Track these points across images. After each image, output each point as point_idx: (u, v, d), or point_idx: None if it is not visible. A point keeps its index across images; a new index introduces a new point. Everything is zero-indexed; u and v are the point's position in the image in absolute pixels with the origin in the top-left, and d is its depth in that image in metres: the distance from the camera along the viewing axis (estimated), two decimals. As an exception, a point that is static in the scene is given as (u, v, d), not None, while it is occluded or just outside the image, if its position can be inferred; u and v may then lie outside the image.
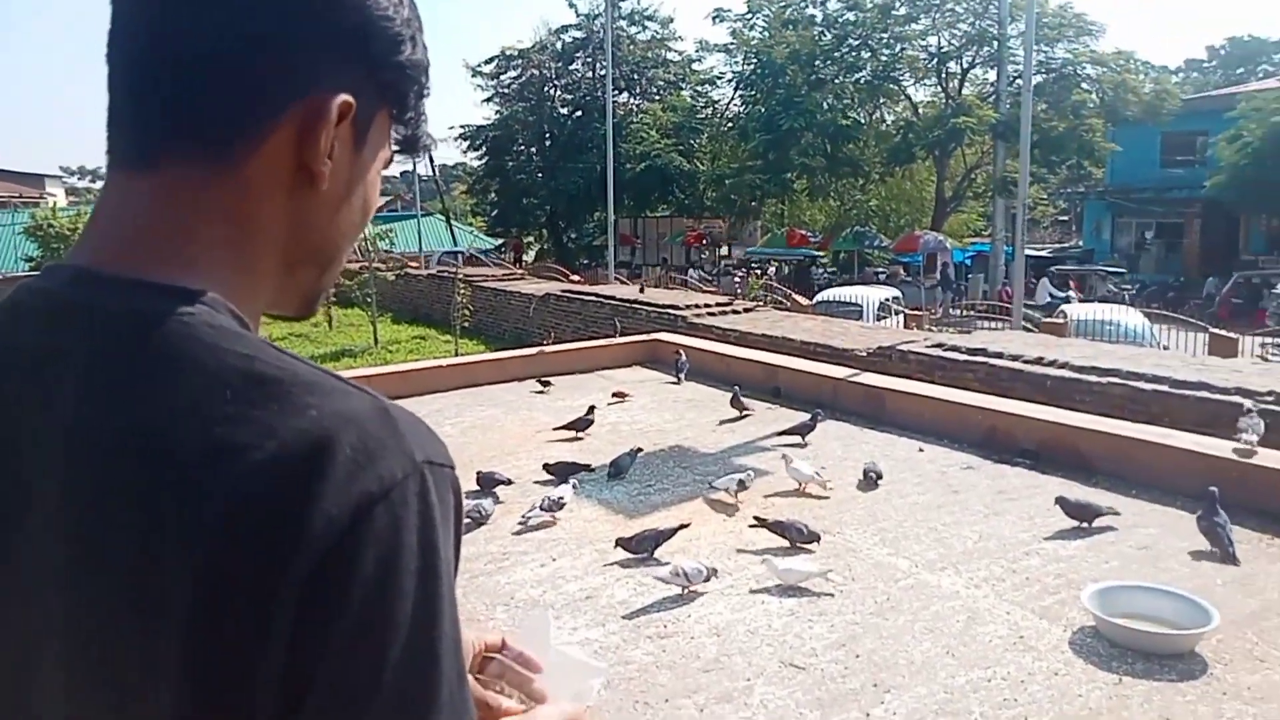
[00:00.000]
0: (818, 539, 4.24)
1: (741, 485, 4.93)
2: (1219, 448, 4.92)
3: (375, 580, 0.54)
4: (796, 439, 6.01)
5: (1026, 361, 6.90)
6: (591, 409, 6.37)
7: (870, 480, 5.09)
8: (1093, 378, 6.38)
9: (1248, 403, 5.15)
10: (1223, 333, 12.94)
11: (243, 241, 0.65)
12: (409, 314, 19.54)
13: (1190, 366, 6.54)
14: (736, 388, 6.99)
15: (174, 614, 0.53)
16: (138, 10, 0.64)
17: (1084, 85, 26.85)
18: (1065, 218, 42.39)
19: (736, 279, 23.86)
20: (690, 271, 26.96)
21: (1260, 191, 23.58)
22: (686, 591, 3.77)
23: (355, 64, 0.66)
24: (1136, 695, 2.95)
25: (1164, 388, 5.87)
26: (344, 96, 0.65)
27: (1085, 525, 4.38)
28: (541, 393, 7.67)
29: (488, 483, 4.98)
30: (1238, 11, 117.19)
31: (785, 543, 4.27)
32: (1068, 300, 20.49)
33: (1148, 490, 4.92)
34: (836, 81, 29.27)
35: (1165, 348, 13.99)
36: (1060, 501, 4.46)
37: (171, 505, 0.54)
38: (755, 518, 4.44)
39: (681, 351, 8.33)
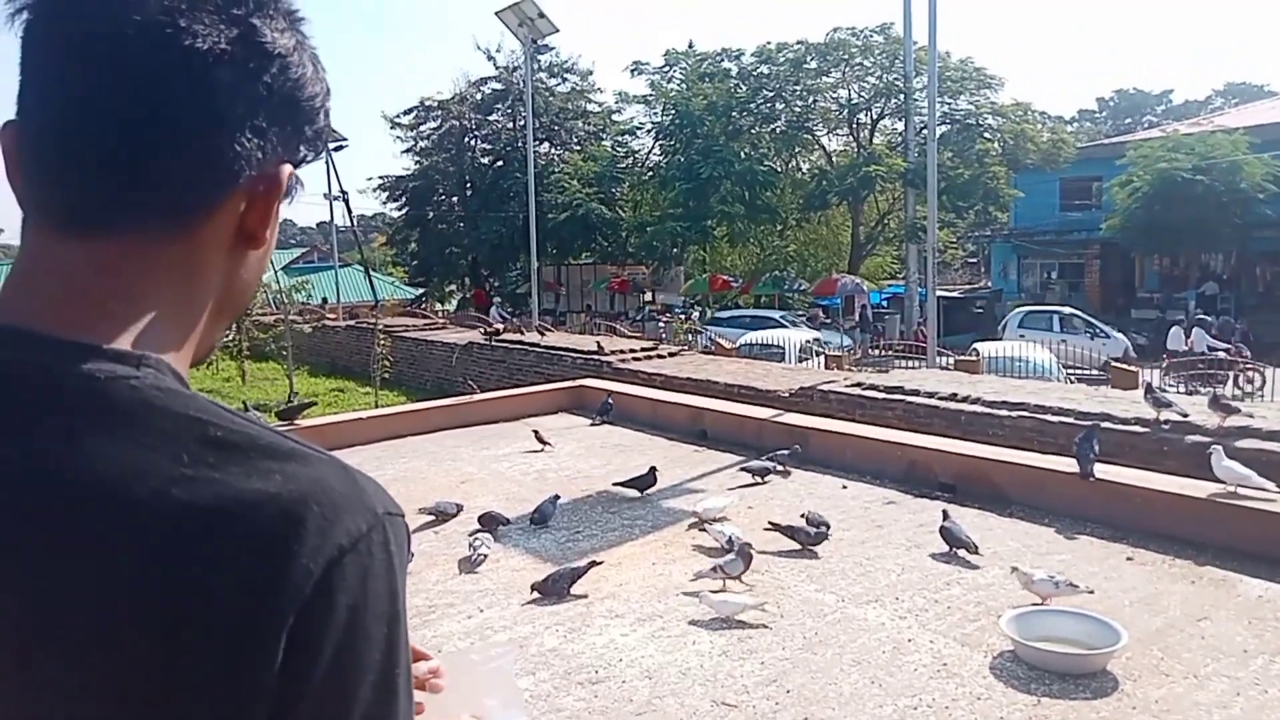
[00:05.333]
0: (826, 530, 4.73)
1: (731, 543, 4.52)
2: (1123, 475, 5.15)
3: (347, 625, 0.57)
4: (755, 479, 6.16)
5: (942, 398, 7.12)
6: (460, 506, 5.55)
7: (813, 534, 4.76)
8: (1004, 412, 6.62)
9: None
10: (1124, 367, 13.57)
11: (189, 304, 0.67)
12: (326, 366, 19.11)
13: (1094, 399, 6.85)
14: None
15: (146, 666, 0.53)
16: (86, 76, 0.62)
17: (986, 135, 28.16)
18: (974, 260, 44.05)
19: (661, 324, 24.06)
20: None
21: (1151, 233, 25.00)
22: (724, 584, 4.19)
23: (293, 135, 0.70)
24: (1054, 715, 3.04)
25: (1070, 420, 6.13)
26: (289, 167, 0.69)
27: (956, 552, 4.58)
28: (539, 451, 7.24)
29: (489, 522, 5.09)
30: (1123, 66, 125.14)
31: (718, 581, 4.31)
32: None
33: (1059, 519, 5.11)
34: (753, 131, 30.09)
35: (1071, 381, 14.60)
36: (943, 531, 4.67)
37: (129, 565, 0.54)
38: (770, 522, 4.85)
39: (610, 398, 8.39)
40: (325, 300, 27.60)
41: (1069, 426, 6.05)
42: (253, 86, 0.65)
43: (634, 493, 5.87)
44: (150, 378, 0.60)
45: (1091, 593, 3.93)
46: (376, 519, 0.61)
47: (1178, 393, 11.71)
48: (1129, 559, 4.50)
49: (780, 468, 6.26)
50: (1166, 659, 3.41)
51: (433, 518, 5.38)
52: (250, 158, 0.66)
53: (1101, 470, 5.17)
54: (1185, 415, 5.70)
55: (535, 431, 7.39)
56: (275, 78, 0.67)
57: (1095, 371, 15.57)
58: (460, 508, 5.48)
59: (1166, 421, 5.75)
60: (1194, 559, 4.41)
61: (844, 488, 5.98)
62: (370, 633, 0.59)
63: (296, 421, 7.40)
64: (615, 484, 5.97)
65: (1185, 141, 25.47)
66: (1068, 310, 22.71)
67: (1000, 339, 20.14)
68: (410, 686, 0.63)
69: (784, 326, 22.14)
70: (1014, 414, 6.54)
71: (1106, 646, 3.33)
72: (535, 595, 4.21)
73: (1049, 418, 6.32)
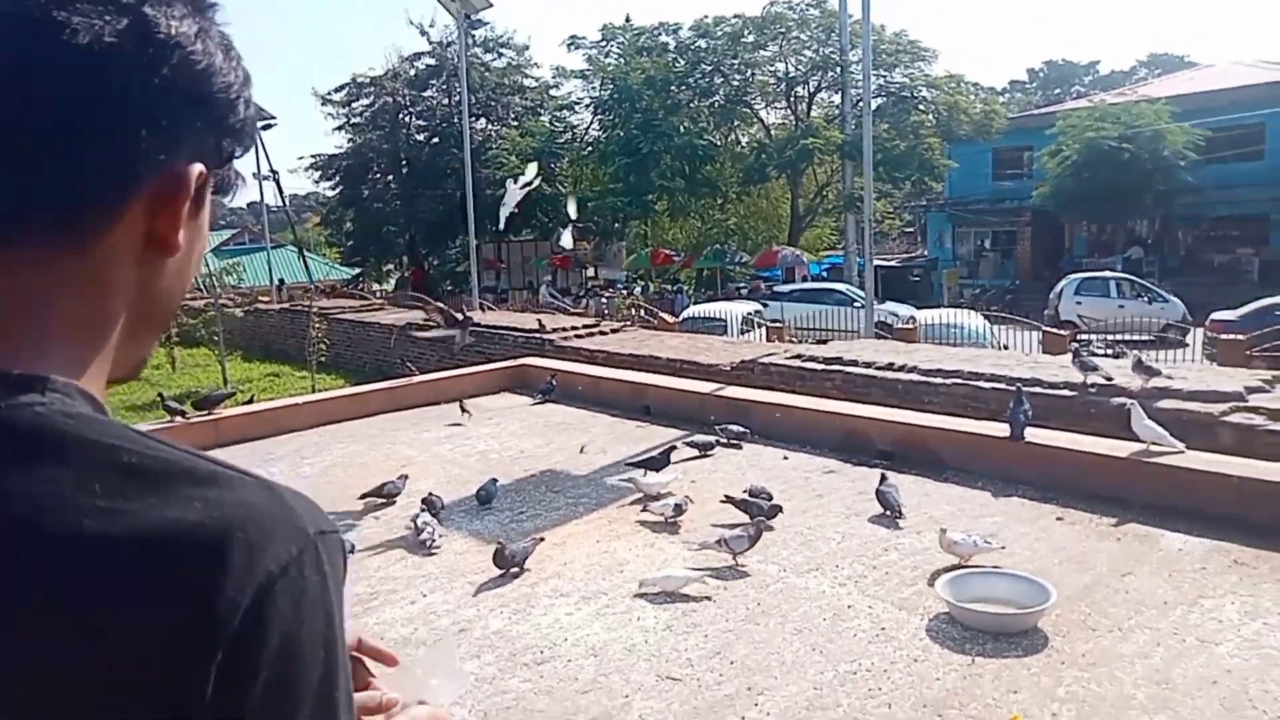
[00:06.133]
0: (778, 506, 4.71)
1: (678, 509, 4.81)
2: (1053, 438, 5.31)
3: (280, 653, 0.55)
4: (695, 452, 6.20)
5: (879, 368, 7.24)
6: (403, 476, 5.59)
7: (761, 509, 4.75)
8: (939, 380, 6.76)
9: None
10: (1054, 330, 13.98)
11: (95, 318, 0.63)
12: (260, 351, 18.68)
13: (1024, 365, 7.03)
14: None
15: (68, 711, 0.51)
16: None
17: (921, 107, 28.56)
18: (911, 229, 44.77)
19: (604, 299, 24.03)
20: (543, 290, 26.80)
21: (1080, 200, 25.74)
22: (735, 560, 4.20)
23: (202, 132, 0.65)
24: (988, 673, 3.14)
25: (1002, 385, 6.28)
26: (199, 167, 0.64)
27: (892, 515, 4.76)
28: (458, 424, 7.48)
29: (430, 506, 5.00)
30: (1052, 36, 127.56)
31: (661, 555, 4.34)
32: None
33: (992, 482, 5.25)
34: (692, 105, 30.07)
35: (1005, 347, 14.99)
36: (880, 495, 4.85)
37: (42, 606, 0.52)
38: (725, 495, 4.89)
39: (553, 378, 8.37)
40: (283, 281, 26.93)
41: (1001, 392, 6.20)
42: (148, 80, 0.61)
43: (641, 472, 5.60)
44: (57, 403, 0.57)
45: (1003, 548, 4.11)
46: (308, 540, 0.59)
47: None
48: (1059, 519, 4.65)
49: (729, 441, 6.30)
50: (1093, 614, 3.54)
51: (381, 501, 5.33)
52: (150, 159, 0.61)
53: (1032, 433, 5.32)
54: (1110, 379, 5.89)
55: (460, 401, 7.51)
56: (175, 70, 0.62)
57: (1150, 337, 15.04)
58: (405, 478, 5.47)
59: (1093, 385, 5.94)
60: (1119, 516, 4.58)
61: (785, 459, 6.06)
62: (306, 658, 0.57)
63: (218, 411, 7.22)
64: (627, 463, 5.81)
65: (1111, 111, 26.19)
66: (1125, 276, 21.91)
67: (1058, 309, 19.92)
68: (350, 705, 0.61)
69: (852, 300, 20.63)
70: (948, 381, 6.68)
71: (1037, 605, 3.44)
72: (490, 573, 4.21)
73: (982, 384, 6.47)
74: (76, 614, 0.52)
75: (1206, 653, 3.18)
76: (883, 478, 4.96)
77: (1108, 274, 22.17)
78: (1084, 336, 14.21)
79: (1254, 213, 27.15)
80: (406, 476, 5.53)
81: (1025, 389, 6.00)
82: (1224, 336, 11.98)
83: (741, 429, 6.40)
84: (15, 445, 0.55)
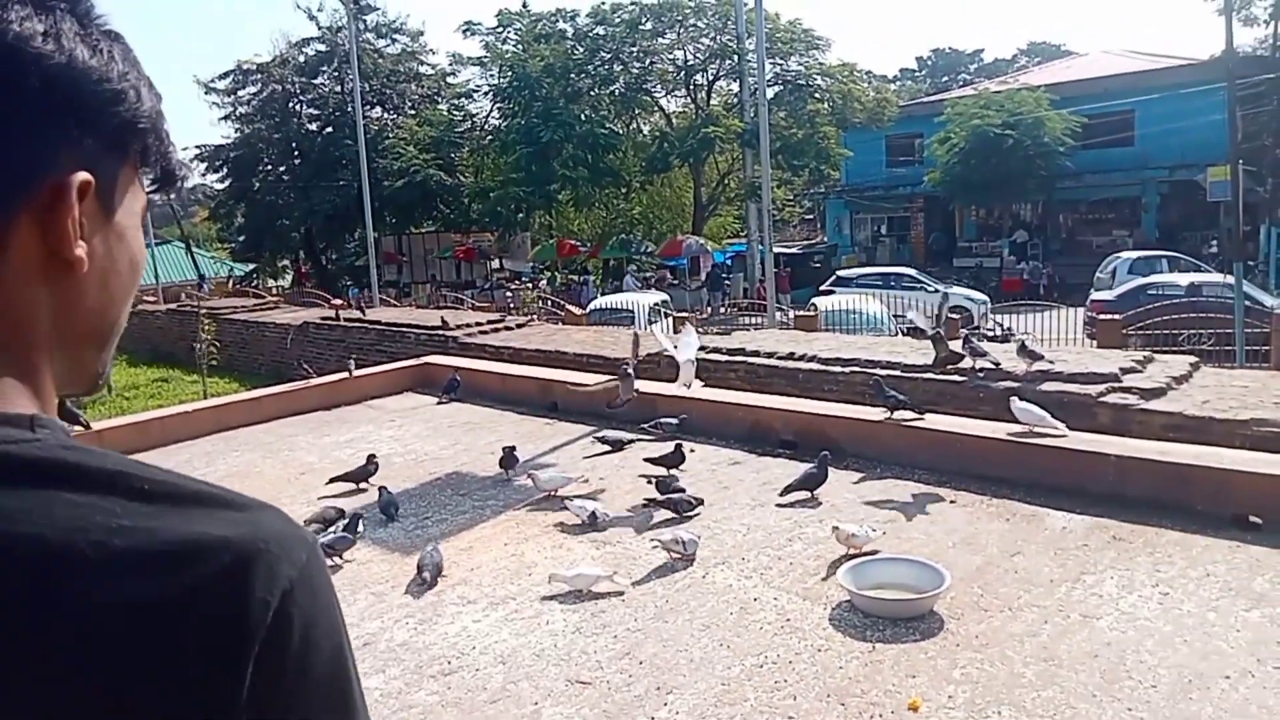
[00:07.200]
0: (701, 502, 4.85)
1: (594, 517, 4.76)
2: (944, 423, 5.51)
3: (302, 647, 0.59)
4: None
5: (780, 358, 7.37)
6: (371, 457, 5.81)
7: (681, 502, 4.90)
8: (837, 368, 6.93)
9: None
10: (958, 318, 14.49)
11: (9, 348, 0.61)
12: (147, 354, 17.83)
13: (917, 352, 7.25)
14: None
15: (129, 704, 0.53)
16: None
17: (816, 95, 29.11)
18: (811, 216, 45.70)
19: (509, 293, 23.78)
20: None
21: (968, 186, 26.77)
22: (684, 557, 4.21)
23: (83, 134, 0.62)
24: (888, 659, 3.24)
25: (896, 373, 6.48)
26: (82, 175, 0.61)
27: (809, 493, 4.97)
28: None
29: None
30: (940, 24, 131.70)
31: (570, 555, 4.33)
32: None
33: (890, 467, 5.42)
34: (592, 94, 29.90)
35: (903, 333, 15.45)
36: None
37: (81, 619, 0.52)
38: (645, 498, 5.00)
39: (457, 375, 8.23)
40: (203, 277, 25.67)
41: (896, 380, 6.39)
42: None
43: (662, 470, 5.49)
44: (50, 438, 0.58)
45: (884, 534, 4.29)
46: (312, 549, 0.62)
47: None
48: (952, 501, 4.83)
49: (666, 434, 6.24)
50: (985, 595, 3.69)
51: (350, 488, 5.55)
52: (13, 176, 0.58)
53: (928, 419, 5.52)
54: (997, 364, 6.14)
55: (350, 362, 8.15)
56: (23, 76, 0.58)
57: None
58: (374, 458, 5.75)
59: (981, 370, 6.18)
60: (1008, 497, 4.78)
61: (691, 451, 6.10)
62: (323, 650, 0.61)
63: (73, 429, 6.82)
64: (646, 459, 5.64)
65: (995, 99, 27.24)
66: (1176, 254, 22.04)
67: (1112, 288, 20.14)
68: (359, 679, 0.65)
69: (924, 284, 20.81)
70: (846, 370, 6.85)
71: (932, 589, 3.57)
72: (394, 582, 4.12)
73: (878, 371, 6.65)
74: (116, 625, 0.53)
75: (1089, 627, 3.36)
76: (822, 460, 5.03)
77: (1159, 252, 22.61)
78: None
79: (1127, 196, 28.76)
80: (374, 456, 5.76)
81: (919, 374, 6.26)
82: (1102, 316, 12.64)
83: (674, 420, 6.29)
84: (28, 477, 0.55)
